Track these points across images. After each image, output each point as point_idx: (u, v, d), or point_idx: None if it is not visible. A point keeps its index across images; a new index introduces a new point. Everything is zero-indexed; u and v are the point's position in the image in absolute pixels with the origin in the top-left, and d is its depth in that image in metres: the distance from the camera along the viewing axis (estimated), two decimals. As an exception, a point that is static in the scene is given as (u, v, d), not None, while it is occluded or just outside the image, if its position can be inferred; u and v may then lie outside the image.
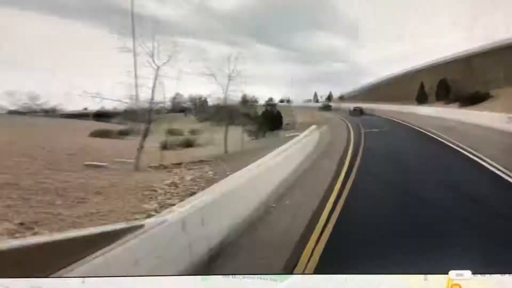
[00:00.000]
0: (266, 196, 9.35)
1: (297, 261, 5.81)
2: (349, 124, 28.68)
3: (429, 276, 3.56)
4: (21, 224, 7.35)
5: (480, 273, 3.55)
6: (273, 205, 9.19)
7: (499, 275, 3.54)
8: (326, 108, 42.95)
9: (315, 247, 6.63)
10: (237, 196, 7.76)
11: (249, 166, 9.52)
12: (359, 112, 39.25)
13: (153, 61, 17.69)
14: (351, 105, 40.79)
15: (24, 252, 3.71)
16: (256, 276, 3.30)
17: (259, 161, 10.02)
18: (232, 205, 7.40)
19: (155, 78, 17.78)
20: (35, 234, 7.07)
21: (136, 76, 17.90)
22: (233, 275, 3.34)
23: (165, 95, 18.78)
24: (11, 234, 6.93)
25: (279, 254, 6.30)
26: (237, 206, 7.63)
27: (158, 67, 17.60)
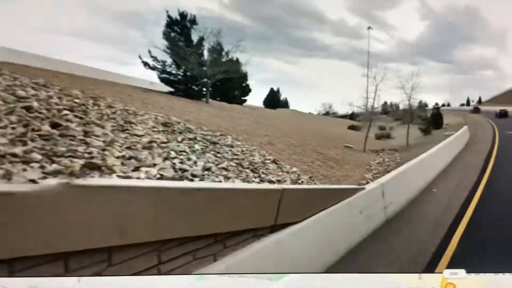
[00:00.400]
0: (441, 167, 10.66)
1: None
2: (494, 126, 25.49)
3: (423, 275, 2.87)
4: (310, 177, 8.80)
5: (474, 272, 2.81)
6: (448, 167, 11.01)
7: (493, 274, 2.81)
8: (476, 111, 38.71)
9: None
10: (414, 174, 8.34)
11: (424, 154, 9.88)
12: (505, 114, 34.22)
13: (374, 80, 21.09)
14: (497, 108, 35.69)
15: (306, 192, 4.93)
16: (252, 275, 2.72)
17: (428, 152, 10.35)
18: (411, 181, 8.00)
19: (375, 92, 21.15)
20: (315, 183, 8.59)
21: (367, 91, 21.30)
22: (229, 274, 2.79)
23: (379, 103, 23.00)
24: (302, 182, 8.47)
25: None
26: (416, 181, 8.21)
27: (377, 85, 21.53)
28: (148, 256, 2.76)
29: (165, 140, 7.02)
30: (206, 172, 6.00)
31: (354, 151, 17.10)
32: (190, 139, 8.06)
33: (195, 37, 23.78)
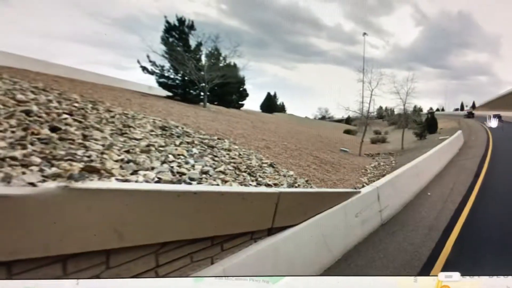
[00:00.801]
0: (436, 171, 10.68)
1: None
2: (488, 130, 25.48)
3: (418, 277, 2.87)
4: (306, 181, 8.72)
5: (469, 275, 2.86)
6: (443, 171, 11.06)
7: (487, 277, 2.85)
8: (470, 116, 38.55)
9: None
10: (409, 178, 8.40)
11: (418, 158, 9.85)
12: (498, 119, 34.21)
13: (370, 85, 20.15)
14: (491, 113, 35.46)
15: (303, 195, 4.85)
16: (249, 277, 2.77)
17: (423, 156, 10.35)
18: (406, 184, 8.03)
19: (370, 97, 20.30)
20: (311, 187, 8.48)
21: (362, 96, 20.16)
22: (226, 277, 2.82)
23: (374, 107, 22.98)
24: (298, 185, 8.34)
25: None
26: (411, 185, 8.24)
27: (372, 90, 20.39)
28: (146, 259, 2.76)
29: (163, 144, 6.99)
30: (203, 176, 5.98)
31: (350, 155, 16.99)
32: (188, 142, 8.01)
33: (193, 42, 23.82)
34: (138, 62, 23.50)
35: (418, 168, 8.90)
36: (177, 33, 24.13)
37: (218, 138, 9.69)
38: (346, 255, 4.98)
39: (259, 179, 7.21)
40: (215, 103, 25.09)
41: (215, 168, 6.70)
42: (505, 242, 5.39)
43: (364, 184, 9.73)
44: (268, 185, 6.98)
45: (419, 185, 8.63)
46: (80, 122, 6.28)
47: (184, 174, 5.69)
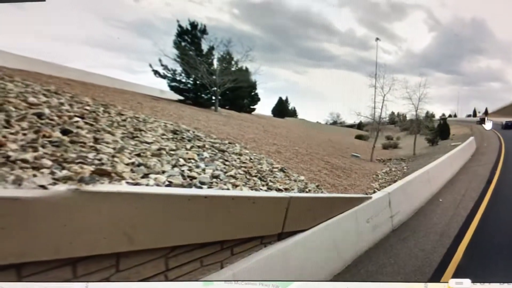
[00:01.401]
0: (448, 177, 10.57)
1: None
2: (501, 137, 25.30)
3: (429, 284, 2.87)
4: (317, 186, 8.69)
5: (480, 282, 2.83)
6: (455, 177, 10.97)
7: (498, 284, 2.82)
8: (482, 122, 37.99)
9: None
10: (421, 184, 8.32)
11: (430, 164, 9.79)
12: (511, 126, 33.82)
13: (382, 91, 20.36)
14: (503, 119, 35.07)
15: (313, 200, 4.77)
16: (258, 282, 2.75)
17: (435, 162, 10.30)
18: (418, 190, 7.97)
19: (383, 102, 20.34)
20: (322, 192, 8.42)
21: (374, 102, 20.36)
22: (236, 281, 2.80)
23: (386, 113, 22.68)
24: (309, 190, 8.25)
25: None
26: (422, 191, 8.19)
27: (384, 95, 20.35)
28: (156, 263, 2.76)
29: (174, 148, 7.00)
30: (214, 180, 5.99)
31: (361, 160, 16.84)
32: (199, 146, 8.00)
33: (205, 47, 23.97)
34: (150, 66, 23.68)
35: (430, 174, 8.80)
36: (189, 37, 24.32)
37: (229, 142, 9.69)
38: (357, 260, 4.93)
39: (270, 183, 7.19)
40: (227, 107, 25.18)
41: (225, 172, 6.70)
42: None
43: (375, 189, 9.64)
44: (278, 190, 6.95)
45: (431, 191, 8.55)
46: (91, 125, 6.34)
47: (194, 178, 5.69)
